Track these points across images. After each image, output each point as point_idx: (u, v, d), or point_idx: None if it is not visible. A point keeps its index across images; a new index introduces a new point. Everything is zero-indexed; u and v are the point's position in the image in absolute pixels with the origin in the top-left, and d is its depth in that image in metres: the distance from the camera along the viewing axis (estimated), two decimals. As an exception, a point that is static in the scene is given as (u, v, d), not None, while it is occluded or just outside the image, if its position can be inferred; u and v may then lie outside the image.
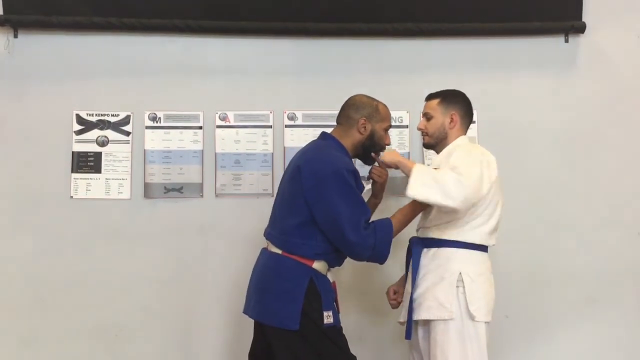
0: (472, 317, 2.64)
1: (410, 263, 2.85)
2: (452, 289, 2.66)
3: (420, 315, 2.71)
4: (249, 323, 2.89)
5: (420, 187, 2.60)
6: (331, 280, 2.78)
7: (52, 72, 3.56)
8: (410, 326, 2.76)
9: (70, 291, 3.49)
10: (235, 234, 3.54)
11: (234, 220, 3.55)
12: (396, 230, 2.73)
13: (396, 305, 2.96)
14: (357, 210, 2.65)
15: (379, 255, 2.68)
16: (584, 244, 3.60)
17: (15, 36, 3.54)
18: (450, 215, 2.70)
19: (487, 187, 2.65)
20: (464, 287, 2.66)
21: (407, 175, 2.66)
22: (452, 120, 2.84)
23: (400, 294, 2.94)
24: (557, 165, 3.62)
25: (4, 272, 3.49)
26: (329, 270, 2.77)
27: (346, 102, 2.90)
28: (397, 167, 2.76)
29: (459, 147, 2.81)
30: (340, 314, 2.79)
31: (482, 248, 2.76)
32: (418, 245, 2.81)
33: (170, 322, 3.52)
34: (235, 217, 3.55)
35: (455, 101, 2.87)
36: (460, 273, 2.67)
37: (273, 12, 3.55)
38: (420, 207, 2.77)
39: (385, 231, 2.68)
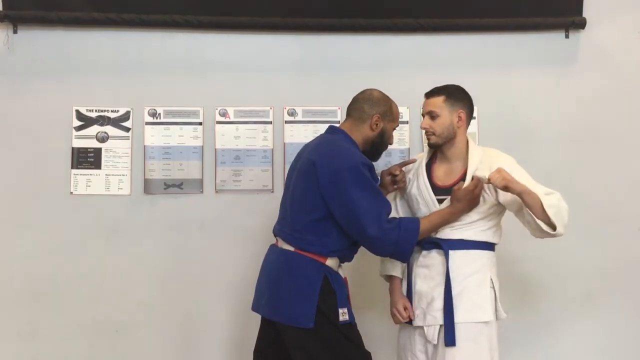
0: (499, 317, 2.70)
1: (411, 263, 2.82)
2: (487, 290, 2.68)
3: (457, 317, 2.63)
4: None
5: (562, 223, 2.61)
6: (343, 276, 2.75)
7: (51, 68, 3.55)
8: (452, 330, 2.62)
9: (70, 287, 3.49)
10: (235, 229, 3.54)
11: (233, 216, 3.55)
12: (424, 231, 2.65)
13: (407, 319, 2.80)
14: (377, 204, 2.59)
15: (401, 252, 2.63)
16: (584, 239, 3.59)
17: (15, 32, 3.53)
18: (488, 217, 2.74)
19: None
20: (494, 288, 2.69)
21: (529, 206, 2.59)
22: (460, 118, 2.75)
23: (410, 308, 2.79)
24: (557, 161, 3.61)
25: (4, 267, 3.49)
26: (339, 266, 2.74)
27: (361, 95, 2.83)
28: (506, 189, 2.60)
29: (497, 156, 2.80)
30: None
31: (494, 247, 2.81)
32: (445, 246, 2.71)
33: (170, 318, 3.52)
34: (235, 213, 3.55)
35: (461, 98, 2.79)
36: (490, 274, 2.71)
37: (273, 7, 3.54)
38: (458, 216, 2.68)
39: (411, 230, 2.61)
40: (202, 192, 3.56)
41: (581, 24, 3.59)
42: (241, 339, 3.49)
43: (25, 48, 3.55)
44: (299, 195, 2.69)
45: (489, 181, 2.59)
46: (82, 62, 3.56)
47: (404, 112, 3.60)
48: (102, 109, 3.57)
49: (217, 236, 3.55)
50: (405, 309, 2.80)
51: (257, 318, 2.85)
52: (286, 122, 3.59)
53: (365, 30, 3.58)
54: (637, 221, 3.63)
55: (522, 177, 2.65)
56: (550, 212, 2.55)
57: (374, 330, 3.30)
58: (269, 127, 3.59)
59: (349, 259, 2.79)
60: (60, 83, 3.56)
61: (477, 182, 2.63)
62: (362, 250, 3.49)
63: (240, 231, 3.53)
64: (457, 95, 2.79)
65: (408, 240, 2.60)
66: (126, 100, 3.58)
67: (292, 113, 3.59)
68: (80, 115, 3.57)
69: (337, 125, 2.91)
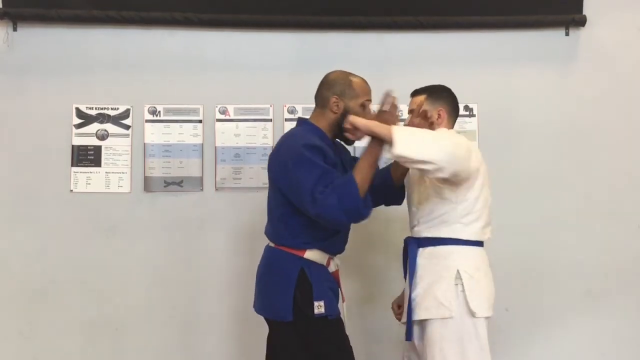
0: (472, 314, 2.61)
1: (408, 264, 2.81)
2: (450, 287, 2.62)
3: (419, 315, 2.66)
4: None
5: (407, 143, 2.44)
6: (333, 269, 2.74)
7: (51, 66, 3.55)
8: (410, 327, 2.70)
9: (70, 285, 3.49)
10: (235, 227, 3.54)
11: (234, 214, 3.55)
12: (362, 178, 2.50)
13: (400, 316, 2.91)
14: (310, 178, 2.50)
15: (353, 211, 2.48)
16: (583, 237, 3.60)
17: (15, 30, 3.53)
18: (442, 207, 2.66)
19: (475, 164, 2.60)
20: (462, 284, 2.63)
21: (383, 138, 2.50)
22: (439, 116, 2.77)
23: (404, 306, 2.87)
24: (557, 158, 3.62)
25: (4, 265, 3.50)
26: (331, 258, 2.73)
27: (321, 81, 2.78)
28: (371, 133, 2.53)
29: None
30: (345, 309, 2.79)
31: (478, 243, 2.73)
32: (413, 245, 2.75)
33: (170, 316, 3.52)
34: (235, 210, 3.55)
35: (442, 97, 2.81)
36: (458, 270, 2.63)
37: (273, 5, 3.54)
38: (378, 151, 2.56)
39: (346, 184, 2.48)
40: (202, 189, 3.56)
41: (581, 22, 3.59)
42: (241, 336, 3.50)
43: (25, 46, 3.55)
44: (269, 194, 2.75)
45: (356, 128, 2.55)
46: (82, 59, 3.56)
47: (403, 110, 3.59)
48: (102, 106, 3.57)
49: (217, 234, 3.55)
50: (399, 307, 2.92)
51: (256, 315, 2.85)
52: (286, 119, 3.59)
53: (365, 28, 3.58)
54: (638, 219, 3.63)
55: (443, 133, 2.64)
56: (396, 131, 2.46)
57: (379, 326, 3.33)
58: (269, 124, 3.59)
59: (336, 249, 2.76)
60: (60, 81, 3.56)
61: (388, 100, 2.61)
62: (368, 247, 3.52)
63: (240, 229, 3.53)
64: (438, 94, 2.81)
65: (349, 195, 2.46)
66: (126, 98, 3.58)
67: (292, 111, 3.59)
68: (80, 113, 3.57)
69: None
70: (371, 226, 3.45)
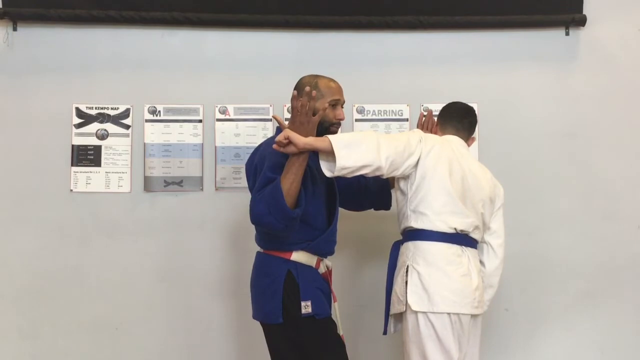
0: (409, 307, 2.62)
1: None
2: (403, 282, 2.67)
3: (390, 310, 2.76)
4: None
5: (346, 154, 2.51)
6: (322, 271, 2.74)
7: (51, 66, 3.55)
8: (386, 321, 2.78)
9: (70, 284, 3.49)
10: (235, 227, 3.54)
11: (233, 214, 3.55)
12: (286, 182, 2.50)
13: None
14: (256, 188, 2.57)
15: (281, 219, 2.49)
16: (583, 237, 3.60)
17: (15, 29, 3.54)
18: (401, 200, 2.75)
19: (415, 157, 2.65)
20: (406, 280, 2.65)
21: (325, 151, 2.54)
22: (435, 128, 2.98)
23: None
24: (557, 158, 3.61)
25: (4, 265, 3.50)
26: (320, 259, 2.74)
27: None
28: (313, 149, 2.53)
29: None
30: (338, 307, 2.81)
31: (436, 236, 2.68)
32: (397, 244, 2.82)
33: (169, 316, 3.52)
34: (235, 210, 3.54)
35: (439, 114, 2.96)
36: (407, 266, 2.67)
37: (273, 5, 3.54)
38: (304, 159, 2.55)
39: (271, 189, 2.49)
40: (202, 189, 3.56)
41: (581, 21, 3.59)
42: (241, 336, 3.49)
43: (25, 45, 3.55)
44: None
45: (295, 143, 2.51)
46: (82, 59, 3.56)
47: (403, 110, 3.59)
48: (101, 106, 3.57)
49: (217, 234, 3.55)
50: None
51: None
52: (286, 119, 3.58)
53: (365, 28, 3.57)
54: (638, 219, 3.62)
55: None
56: (334, 143, 2.51)
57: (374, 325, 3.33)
58: (269, 124, 3.59)
59: (324, 250, 2.76)
60: (60, 80, 3.56)
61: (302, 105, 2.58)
62: (363, 248, 3.51)
63: (240, 229, 3.52)
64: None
65: (273, 201, 2.48)
66: (126, 98, 3.58)
67: (291, 110, 3.59)
68: (80, 113, 3.57)
69: None
70: (368, 226, 3.46)
